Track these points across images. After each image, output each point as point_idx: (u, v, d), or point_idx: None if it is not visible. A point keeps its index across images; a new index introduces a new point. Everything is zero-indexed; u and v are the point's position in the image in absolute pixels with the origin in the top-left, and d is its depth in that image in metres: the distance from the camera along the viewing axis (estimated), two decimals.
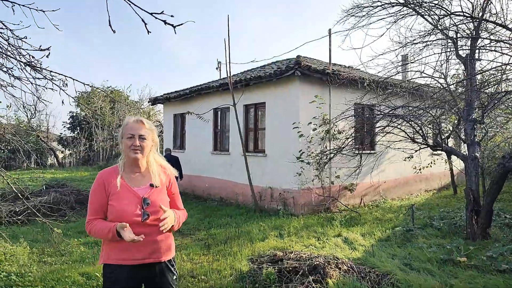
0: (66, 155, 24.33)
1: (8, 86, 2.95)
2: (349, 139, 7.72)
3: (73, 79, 3.06)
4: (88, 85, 3.06)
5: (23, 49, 2.60)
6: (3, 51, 2.71)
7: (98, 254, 5.38)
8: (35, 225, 7.06)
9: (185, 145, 12.77)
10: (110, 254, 2.11)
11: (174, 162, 12.28)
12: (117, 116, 22.47)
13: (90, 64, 47.35)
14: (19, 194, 5.38)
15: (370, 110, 9.21)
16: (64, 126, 24.11)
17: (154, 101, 14.15)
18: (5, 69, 2.76)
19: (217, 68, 16.32)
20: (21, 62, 2.73)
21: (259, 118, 9.84)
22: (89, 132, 22.63)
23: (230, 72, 9.00)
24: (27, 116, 21.21)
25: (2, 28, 2.62)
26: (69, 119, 23.96)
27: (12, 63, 2.74)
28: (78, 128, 23.44)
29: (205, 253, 5.44)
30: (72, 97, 3.09)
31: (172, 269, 2.24)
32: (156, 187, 2.18)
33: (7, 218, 6.67)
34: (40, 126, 22.03)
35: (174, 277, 2.25)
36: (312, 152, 7.94)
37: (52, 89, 2.92)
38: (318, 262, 4.27)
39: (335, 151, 7.65)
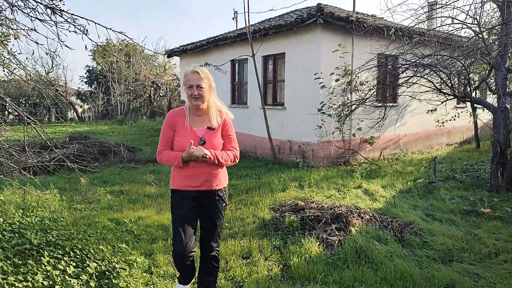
0: (85, 110, 24.67)
1: (31, 30, 2.87)
2: (372, 91, 7.49)
3: (95, 23, 2.97)
4: (110, 29, 2.96)
5: None
6: None
7: (124, 202, 5.58)
8: (62, 174, 7.30)
9: None
10: (175, 181, 2.64)
11: None
12: (133, 70, 22.33)
13: (104, 14, 46.44)
14: (48, 143, 5.49)
15: (394, 60, 8.83)
16: (81, 80, 24.21)
17: (170, 53, 13.90)
18: (27, 12, 2.68)
19: (233, 18, 15.78)
20: (41, 4, 2.63)
21: (278, 69, 9.60)
22: (106, 87, 22.68)
23: (248, 20, 8.66)
24: (45, 70, 21.28)
25: None
26: (85, 73, 23.97)
27: (32, 6, 2.64)
28: (95, 82, 23.49)
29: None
30: (95, 42, 3.01)
31: (222, 197, 2.69)
32: (212, 129, 2.59)
33: (36, 167, 6.89)
34: (58, 80, 22.12)
35: (224, 204, 2.72)
36: (334, 104, 7.77)
37: (75, 32, 2.84)
38: (340, 211, 4.31)
39: (358, 103, 7.47)
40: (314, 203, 4.89)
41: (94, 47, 21.73)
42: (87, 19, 3.10)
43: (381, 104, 7.71)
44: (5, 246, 3.56)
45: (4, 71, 5.80)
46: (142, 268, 3.39)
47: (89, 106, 24.11)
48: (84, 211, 5.07)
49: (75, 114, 23.16)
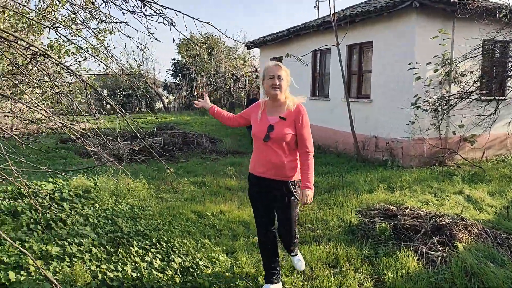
0: (171, 101, 26.20)
1: (124, 24, 2.90)
2: (477, 83, 6.54)
3: (183, 14, 2.87)
4: (197, 19, 2.85)
5: None
6: None
7: (206, 194, 5.63)
8: (150, 163, 7.70)
9: None
10: (250, 164, 2.90)
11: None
12: (214, 62, 23.01)
13: (186, 7, 48.63)
14: (138, 134, 5.77)
15: (506, 47, 7.61)
16: (168, 73, 25.69)
17: (251, 45, 13.92)
18: (118, 5, 2.69)
19: (315, 7, 15.16)
20: None
21: (363, 59, 8.94)
22: (189, 79, 23.76)
23: (334, 7, 8.16)
24: (136, 63, 23.01)
25: None
26: (171, 66, 25.38)
27: None
28: (180, 74, 24.75)
29: None
30: (183, 34, 2.94)
31: (289, 189, 2.70)
32: (284, 119, 2.68)
33: (127, 156, 7.37)
34: (147, 72, 23.79)
35: (292, 197, 2.72)
36: (431, 97, 6.95)
37: (163, 23, 2.78)
38: (442, 222, 3.76)
39: (461, 96, 6.58)
40: (408, 209, 4.38)
41: (180, 40, 22.88)
42: (175, 10, 3.03)
43: (492, 98, 6.68)
44: (99, 232, 3.74)
45: (100, 65, 6.20)
46: (224, 267, 3.30)
47: (174, 97, 25.53)
48: (170, 201, 5.21)
49: (162, 105, 24.73)
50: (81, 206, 4.33)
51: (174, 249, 3.54)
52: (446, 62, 7.20)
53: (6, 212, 4.00)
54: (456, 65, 7.14)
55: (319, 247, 3.68)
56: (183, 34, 3.06)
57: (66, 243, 3.34)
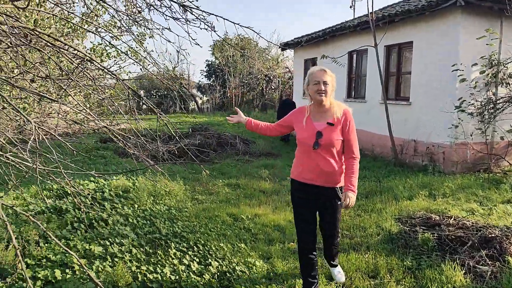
0: (204, 101, 26.60)
1: (165, 29, 2.95)
2: None
3: (224, 19, 2.87)
4: (237, 24, 2.84)
5: None
6: None
7: (241, 196, 5.63)
8: (185, 164, 7.83)
9: None
10: (292, 171, 2.89)
11: (289, 105, 12.13)
12: (248, 63, 23.12)
13: (218, 7, 49.10)
14: (175, 135, 5.88)
15: None
16: (202, 74, 26.10)
17: (285, 46, 13.85)
18: (161, 11, 2.73)
19: (351, 7, 14.92)
20: (175, 2, 2.64)
21: (402, 60, 8.64)
22: (222, 80, 24.02)
23: (372, 6, 7.94)
24: (172, 65, 23.55)
25: None
26: (205, 67, 25.76)
27: (167, 4, 2.68)
28: (213, 76, 25.08)
29: None
30: (221, 37, 2.95)
31: (337, 195, 2.72)
32: (332, 125, 2.67)
33: (164, 156, 7.53)
34: (182, 74, 24.29)
35: (339, 202, 2.75)
36: (476, 100, 6.60)
37: (205, 29, 2.80)
38: (492, 234, 3.54)
39: (510, 100, 6.20)
40: (452, 219, 4.17)
41: (214, 41, 23.22)
42: (216, 15, 3.05)
43: None
44: (139, 233, 3.83)
45: (137, 67, 6.40)
46: (261, 273, 3.27)
47: (207, 98, 25.90)
48: (205, 202, 5.26)
49: (195, 106, 25.16)
50: (121, 206, 4.45)
51: (211, 252, 3.56)
52: (494, 63, 6.81)
53: (52, 210, 4.19)
54: (504, 66, 6.73)
55: (358, 255, 3.57)
56: (220, 36, 3.09)
57: (108, 243, 3.44)
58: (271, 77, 22.67)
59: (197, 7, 2.62)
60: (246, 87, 23.70)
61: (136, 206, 4.59)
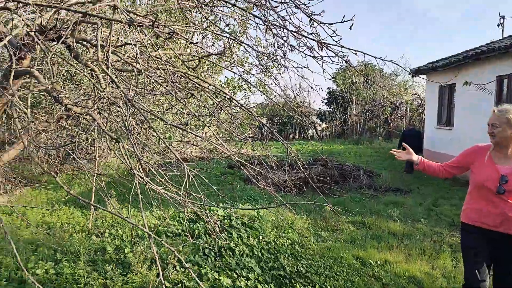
0: (324, 128, 26.47)
1: (302, 67, 2.95)
2: None
3: (364, 53, 2.72)
4: (373, 57, 2.65)
5: (322, 23, 2.43)
6: (298, 31, 2.66)
7: (367, 237, 5.21)
8: (306, 195, 7.71)
9: (452, 121, 11.00)
10: (467, 215, 2.70)
11: (414, 136, 10.98)
12: (371, 90, 22.25)
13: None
14: (297, 164, 5.85)
15: None
16: (322, 102, 26.15)
17: (416, 72, 12.84)
18: (301, 50, 2.73)
19: (498, 25, 13.07)
20: (315, 40, 2.60)
21: None
22: (344, 107, 23.58)
23: None
24: (293, 93, 24.24)
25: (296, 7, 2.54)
26: (326, 94, 25.75)
27: (309, 45, 2.66)
28: (334, 103, 24.85)
29: None
30: (355, 68, 2.79)
31: None
32: None
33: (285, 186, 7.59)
34: (303, 102, 24.73)
35: None
36: None
37: (339, 63, 2.72)
38: None
39: None
40: None
41: (336, 69, 23.11)
42: (351, 49, 2.92)
43: None
44: (263, 267, 3.80)
45: (262, 96, 6.66)
46: None
47: (327, 125, 25.71)
48: (329, 240, 5.01)
49: (314, 133, 25.20)
50: (247, 236, 4.54)
51: None
52: None
53: (186, 233, 4.52)
54: None
55: None
56: (348, 63, 2.94)
57: (235, 275, 3.50)
58: (398, 104, 21.29)
59: (331, 44, 2.54)
60: (369, 115, 22.74)
61: (260, 237, 4.63)
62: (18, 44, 2.90)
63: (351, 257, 4.38)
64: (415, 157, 2.84)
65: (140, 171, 2.31)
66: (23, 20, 2.63)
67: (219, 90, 3.21)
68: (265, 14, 2.62)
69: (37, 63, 3.02)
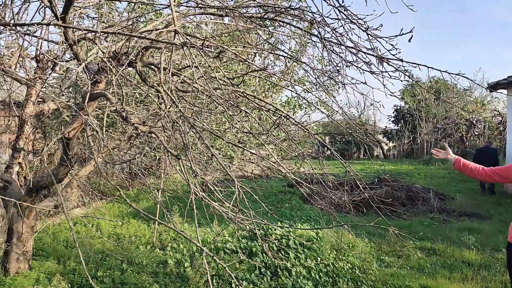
0: (391, 147, 25.25)
1: (358, 83, 2.87)
2: None
3: (428, 67, 2.58)
4: (439, 70, 2.49)
5: (379, 37, 2.35)
6: (356, 47, 2.60)
7: (437, 265, 4.78)
8: (369, 217, 7.34)
9: None
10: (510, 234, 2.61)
11: (490, 154, 9.96)
12: (443, 106, 20.83)
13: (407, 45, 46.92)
14: (359, 183, 5.62)
15: None
16: (389, 120, 25.05)
17: (494, 86, 11.75)
18: (358, 66, 2.66)
19: None
20: (374, 56, 2.52)
21: None
22: (412, 125, 22.34)
23: None
24: (357, 111, 23.59)
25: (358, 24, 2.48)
26: (393, 112, 24.65)
27: (367, 60, 2.59)
28: (401, 121, 23.68)
29: None
30: (419, 84, 2.63)
31: None
32: None
33: (347, 205, 7.30)
34: (368, 120, 23.93)
35: None
36: None
37: (399, 78, 2.59)
38: None
39: None
40: None
41: (404, 85, 22.10)
42: (412, 63, 2.77)
43: None
44: None
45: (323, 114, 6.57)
46: None
47: (394, 144, 24.50)
48: (393, 266, 4.68)
49: (380, 152, 24.13)
50: (304, 257, 4.42)
51: None
52: None
53: (244, 251, 4.53)
54: None
55: None
56: (413, 80, 2.77)
57: None
58: (474, 122, 19.62)
59: (391, 58, 2.43)
60: (441, 133, 21.24)
61: (318, 259, 4.48)
62: (95, 70, 3.23)
63: (418, 286, 4.04)
64: (451, 156, 2.83)
65: (196, 187, 2.39)
66: (99, 48, 2.93)
67: (275, 108, 3.24)
68: (320, 32, 2.61)
69: (112, 87, 3.33)
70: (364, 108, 22.95)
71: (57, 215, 5.95)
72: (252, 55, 8.34)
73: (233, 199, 2.16)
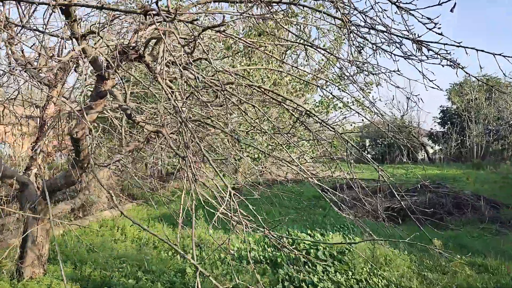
0: (436, 151, 23.77)
1: (393, 72, 2.45)
2: None
3: (477, 50, 2.12)
4: (491, 53, 2.03)
5: (411, 11, 1.94)
6: (388, 30, 2.20)
7: (490, 283, 4.17)
8: (410, 225, 6.72)
9: None
10: None
11: None
12: (496, 107, 19.24)
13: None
14: (396, 191, 5.10)
15: None
16: (434, 121, 23.62)
17: None
18: (389, 52, 2.26)
19: None
20: (408, 39, 2.10)
21: None
22: (460, 127, 20.85)
23: None
24: (400, 113, 22.44)
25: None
26: (439, 113, 23.20)
27: (397, 40, 2.18)
28: (448, 122, 22.20)
29: None
30: (467, 73, 2.17)
31: None
32: None
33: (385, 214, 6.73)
34: (411, 121, 22.68)
35: None
36: None
37: (443, 66, 2.15)
38: None
39: None
40: None
41: (451, 85, 20.74)
42: (461, 46, 2.30)
43: None
44: None
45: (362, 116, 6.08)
46: None
47: (440, 147, 23.03)
48: (437, 284, 4.13)
49: (425, 155, 22.77)
50: (333, 271, 4.01)
51: None
52: None
53: (268, 261, 4.20)
54: None
55: None
56: (466, 73, 2.31)
57: None
58: None
59: (431, 42, 2.00)
60: (493, 135, 19.65)
61: (350, 273, 4.05)
62: (104, 66, 3.05)
63: None
64: None
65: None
66: (105, 42, 2.74)
67: (296, 105, 2.89)
68: (344, 14, 2.24)
69: (120, 84, 3.15)
70: (407, 109, 21.77)
71: (84, 218, 5.95)
72: (283, 52, 8.00)
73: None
